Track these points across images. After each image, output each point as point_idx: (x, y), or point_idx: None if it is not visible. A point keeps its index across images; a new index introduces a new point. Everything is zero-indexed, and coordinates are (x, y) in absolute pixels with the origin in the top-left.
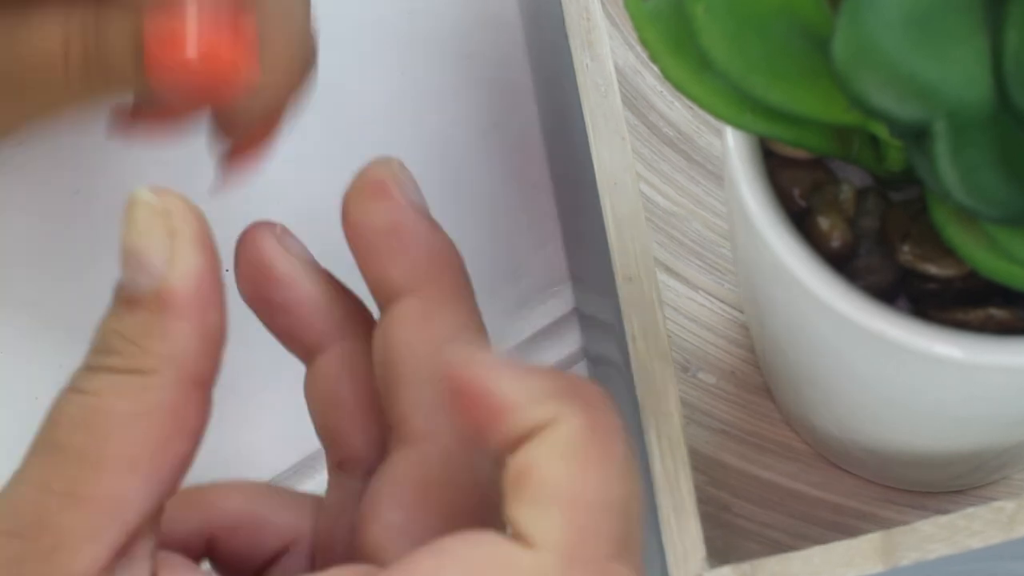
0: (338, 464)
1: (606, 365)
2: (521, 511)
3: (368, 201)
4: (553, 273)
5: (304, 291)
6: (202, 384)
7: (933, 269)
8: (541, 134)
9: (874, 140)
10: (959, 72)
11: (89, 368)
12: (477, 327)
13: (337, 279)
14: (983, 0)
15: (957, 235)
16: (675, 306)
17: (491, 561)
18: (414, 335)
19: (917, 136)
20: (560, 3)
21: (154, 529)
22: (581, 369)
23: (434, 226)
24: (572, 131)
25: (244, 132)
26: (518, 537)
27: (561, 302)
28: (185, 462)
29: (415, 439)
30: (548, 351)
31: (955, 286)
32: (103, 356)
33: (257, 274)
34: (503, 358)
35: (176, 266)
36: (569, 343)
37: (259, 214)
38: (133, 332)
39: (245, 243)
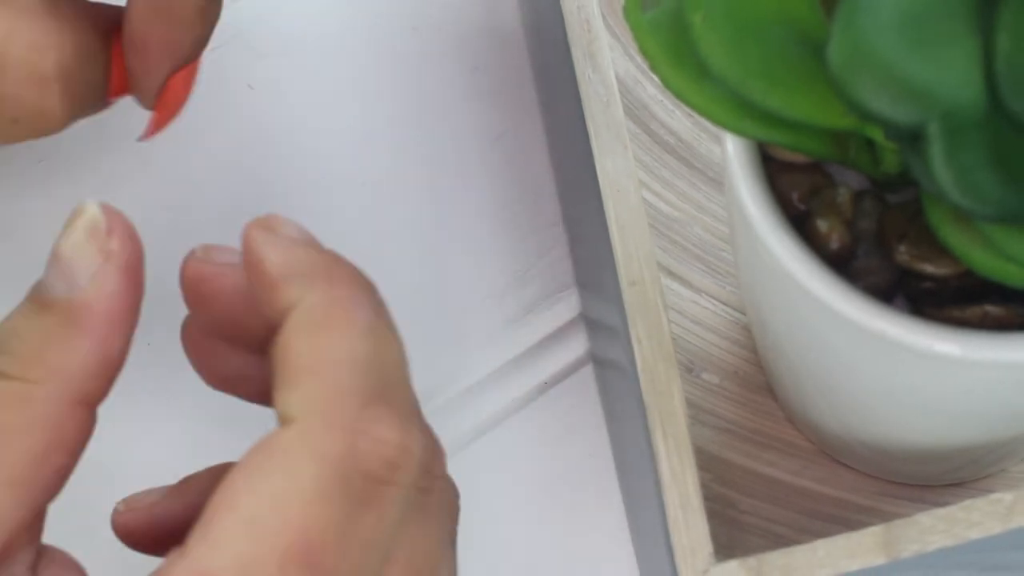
0: None
1: (612, 368)
2: (280, 396)
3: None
4: (559, 279)
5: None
6: (87, 404)
7: (930, 268)
8: (545, 144)
9: (870, 143)
10: (953, 75)
11: None
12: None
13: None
14: (975, 3)
15: (953, 235)
16: (678, 309)
17: (264, 455)
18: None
19: (912, 138)
20: (561, 16)
21: (34, 535)
22: (588, 372)
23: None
24: (575, 140)
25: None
26: (282, 421)
27: (567, 307)
28: (63, 475)
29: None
30: (555, 356)
31: (952, 285)
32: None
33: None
34: (289, 228)
35: (98, 285)
36: (576, 347)
37: None
38: (34, 337)
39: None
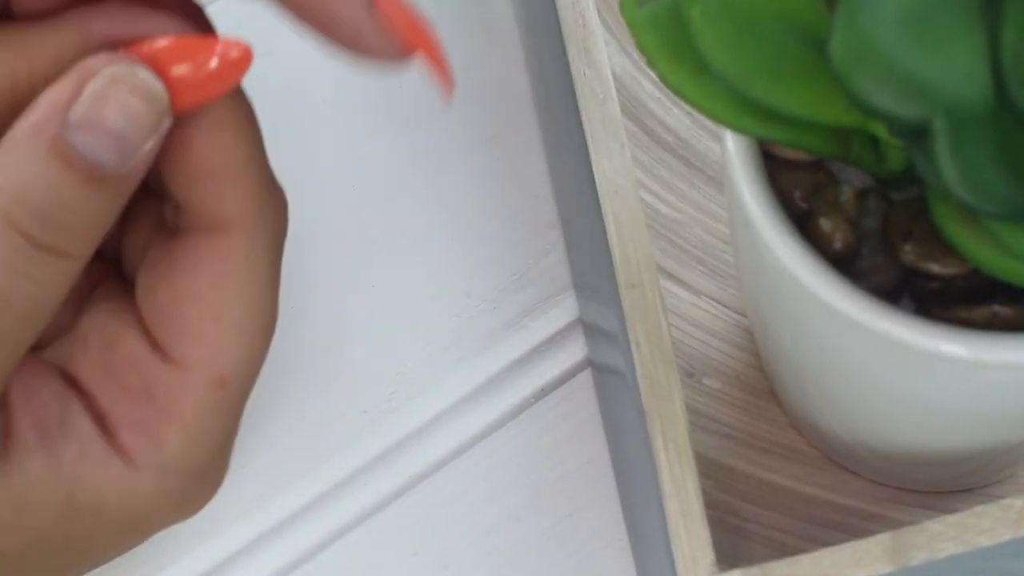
0: None
1: (611, 373)
2: (197, 193)
3: None
4: (555, 282)
5: None
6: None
7: (936, 268)
8: (541, 143)
9: (874, 140)
10: (957, 69)
11: (33, 244)
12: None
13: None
14: None
15: (959, 233)
16: (678, 312)
17: (224, 261)
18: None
19: (917, 135)
20: (556, 11)
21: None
22: (586, 378)
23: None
24: (571, 139)
25: None
26: (210, 228)
27: (564, 311)
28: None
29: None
30: (552, 361)
31: (958, 284)
32: (46, 228)
33: None
34: None
35: (146, 161)
36: (574, 352)
37: None
38: (89, 215)
39: None
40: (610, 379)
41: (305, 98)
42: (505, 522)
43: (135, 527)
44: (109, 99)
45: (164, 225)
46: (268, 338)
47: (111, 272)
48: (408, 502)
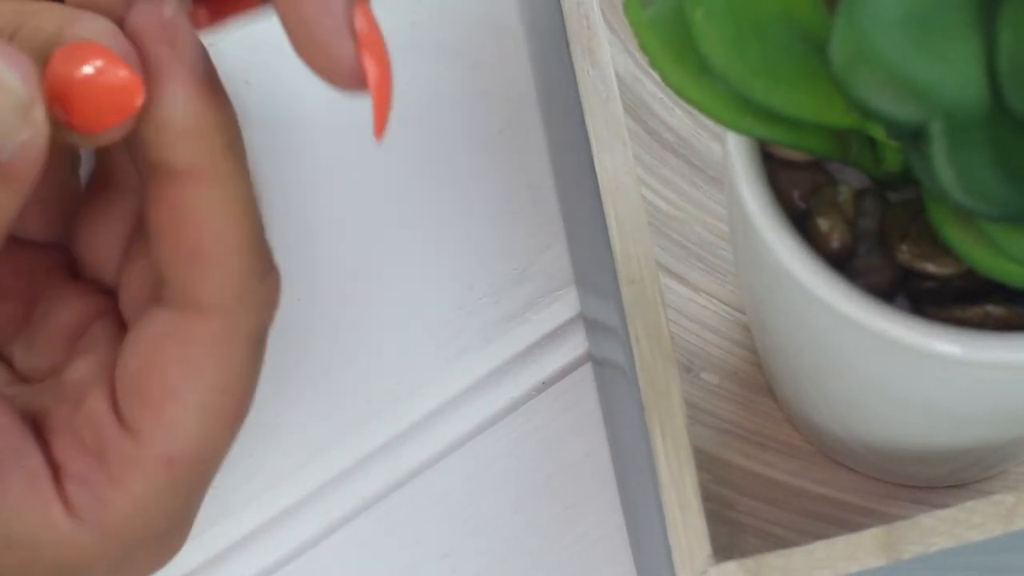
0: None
1: (611, 367)
2: (180, 271)
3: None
4: (557, 277)
5: None
6: None
7: (932, 268)
8: (544, 141)
9: (872, 142)
10: (955, 73)
11: None
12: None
13: None
14: (978, 1)
15: (955, 234)
16: (677, 308)
17: (199, 348)
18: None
19: (914, 137)
20: (560, 12)
21: None
22: (587, 372)
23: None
24: (574, 137)
25: None
26: (189, 308)
27: (565, 306)
28: None
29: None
30: (553, 354)
31: (953, 284)
32: None
33: None
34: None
35: (25, 153)
36: (574, 346)
37: (276, 228)
38: None
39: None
40: (610, 373)
41: (311, 94)
42: (505, 513)
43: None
44: None
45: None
46: (235, 423)
47: (113, 311)
48: (410, 492)
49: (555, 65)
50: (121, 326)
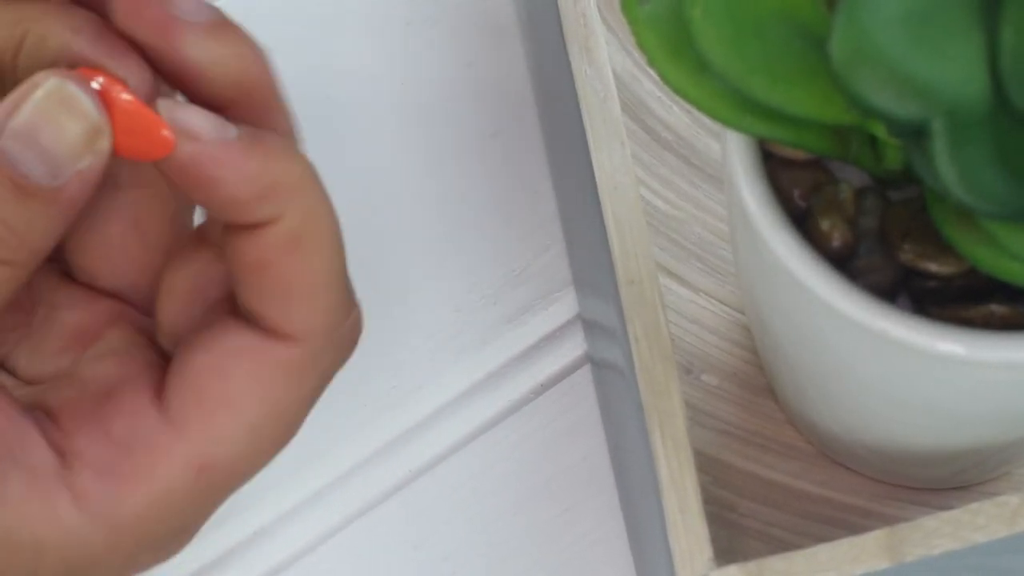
0: None
1: (610, 369)
2: (268, 305)
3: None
4: (555, 278)
5: None
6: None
7: (934, 267)
8: (541, 140)
9: (873, 140)
10: (957, 70)
11: None
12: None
13: None
14: None
15: (957, 233)
16: (677, 309)
17: (270, 366)
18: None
19: (916, 135)
20: (557, 10)
21: None
22: (585, 373)
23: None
24: (572, 137)
25: None
26: (276, 334)
27: (564, 307)
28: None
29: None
30: (552, 356)
31: (956, 283)
32: None
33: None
34: (219, 137)
35: (83, 179)
36: (573, 348)
37: None
38: (19, 223)
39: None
40: (609, 375)
41: (304, 94)
42: (504, 516)
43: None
44: (43, 113)
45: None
46: (277, 450)
47: (125, 318)
48: (408, 496)
49: (552, 64)
50: (139, 331)
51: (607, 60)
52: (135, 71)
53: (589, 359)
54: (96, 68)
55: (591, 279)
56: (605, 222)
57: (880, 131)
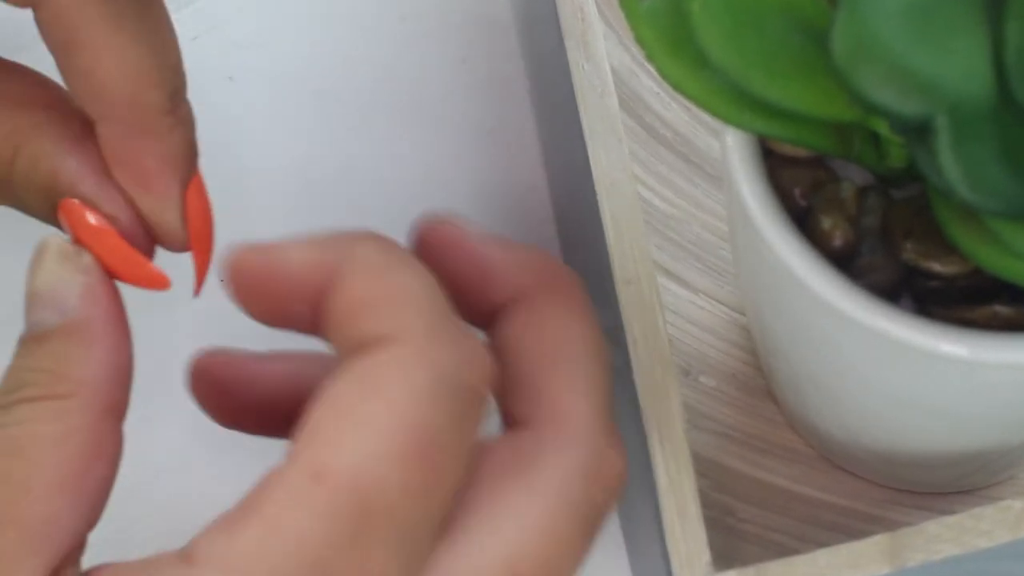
0: None
1: None
2: (367, 326)
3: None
4: None
5: None
6: (116, 413)
7: (937, 267)
8: (537, 137)
9: (875, 137)
10: (960, 66)
11: (3, 407)
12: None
13: None
14: None
15: (960, 232)
16: (675, 309)
17: (371, 368)
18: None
19: (918, 132)
20: (554, 4)
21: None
22: None
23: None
24: (569, 134)
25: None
26: (378, 343)
27: None
28: (106, 488)
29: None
30: None
31: (959, 284)
32: (16, 392)
33: None
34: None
35: (89, 300)
36: None
37: (250, 225)
38: (46, 363)
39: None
40: None
41: (297, 89)
42: None
43: None
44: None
45: None
46: (408, 460)
47: None
48: None
49: (549, 59)
50: None
51: (605, 55)
52: (122, 208)
53: None
54: (86, 202)
55: (588, 279)
56: (602, 220)
57: (882, 128)
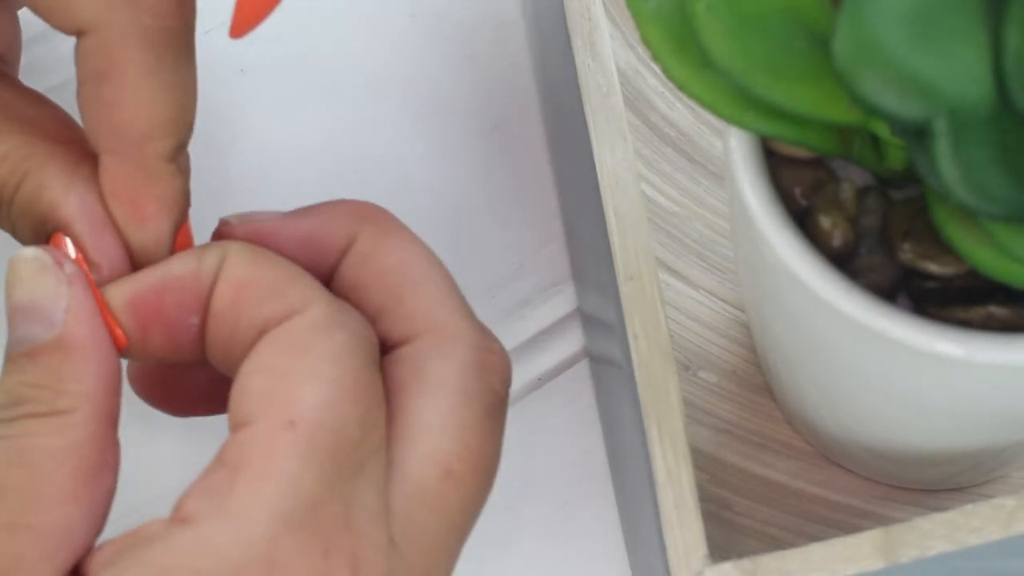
0: None
1: (608, 364)
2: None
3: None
4: (555, 272)
5: None
6: (112, 420)
7: (934, 267)
8: (543, 134)
9: (875, 139)
10: (960, 70)
11: (3, 420)
12: None
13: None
14: None
15: (957, 233)
16: (676, 305)
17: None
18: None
19: (918, 134)
20: (562, 4)
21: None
22: (583, 368)
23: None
24: (574, 131)
25: None
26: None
27: (563, 301)
28: (111, 495)
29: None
30: (550, 350)
31: (956, 284)
32: (16, 407)
33: None
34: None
35: (76, 312)
36: (571, 342)
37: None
38: (43, 379)
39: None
40: (607, 370)
41: (308, 83)
42: (500, 510)
43: None
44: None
45: None
46: (364, 412)
47: None
48: None
49: (556, 58)
50: None
51: (611, 55)
52: (109, 252)
53: (587, 354)
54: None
55: (591, 274)
56: (606, 217)
57: (882, 130)
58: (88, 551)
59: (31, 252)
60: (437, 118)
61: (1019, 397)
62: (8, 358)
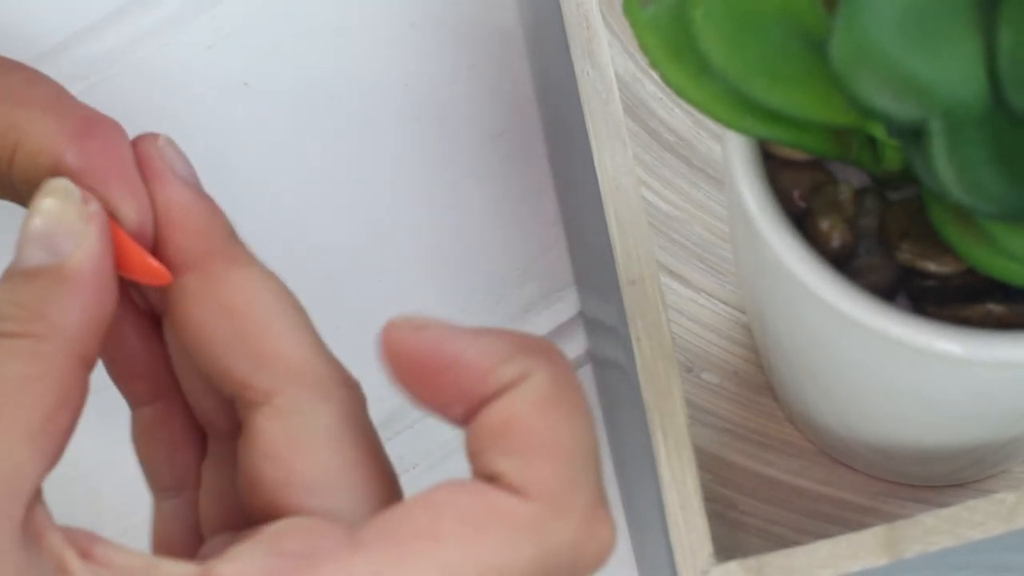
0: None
1: (611, 367)
2: (508, 462)
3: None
4: (557, 277)
5: None
6: (85, 363)
7: (932, 267)
8: (544, 141)
9: (872, 140)
10: (955, 71)
11: None
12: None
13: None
14: None
15: (955, 233)
16: (678, 308)
17: (489, 512)
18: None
19: (914, 135)
20: (560, 12)
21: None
22: (587, 372)
23: (202, 196)
24: (574, 138)
25: None
26: (509, 488)
27: (566, 306)
28: (67, 436)
29: (297, 396)
30: None
31: (954, 283)
32: None
33: None
34: (446, 324)
35: (85, 248)
36: (574, 346)
37: (265, 230)
38: (28, 299)
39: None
40: (610, 373)
41: (311, 95)
42: None
43: None
44: (33, 209)
45: None
46: None
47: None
48: (409, 489)
49: (555, 66)
50: None
51: (609, 62)
52: (127, 201)
53: (591, 357)
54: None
55: (593, 278)
56: (607, 222)
57: (879, 132)
58: (37, 492)
59: (64, 183)
60: (438, 127)
61: (1018, 393)
62: (6, 274)
